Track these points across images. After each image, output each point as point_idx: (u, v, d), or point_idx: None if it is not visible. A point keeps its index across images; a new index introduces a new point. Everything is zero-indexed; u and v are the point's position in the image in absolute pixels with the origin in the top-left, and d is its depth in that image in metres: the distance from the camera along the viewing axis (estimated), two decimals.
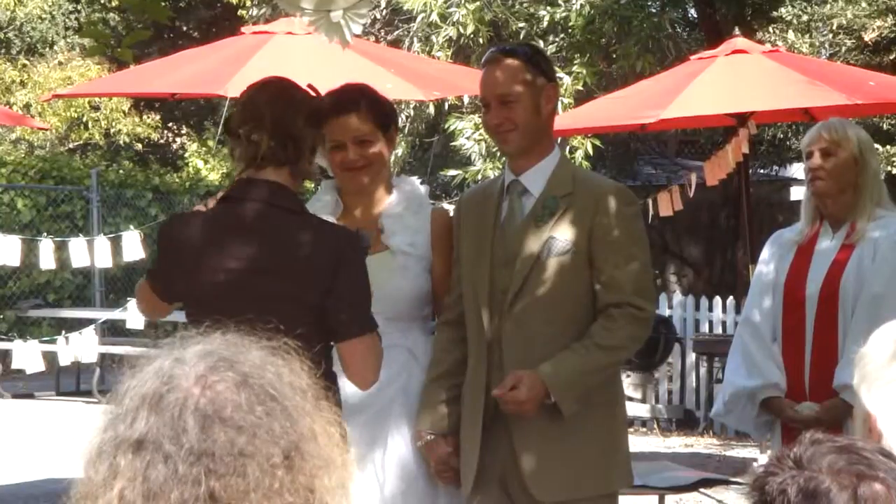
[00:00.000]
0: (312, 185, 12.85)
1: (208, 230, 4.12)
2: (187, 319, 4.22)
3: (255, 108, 4.11)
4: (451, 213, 4.88)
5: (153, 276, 4.31)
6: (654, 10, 16.31)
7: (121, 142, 25.02)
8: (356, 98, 4.70)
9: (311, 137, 4.19)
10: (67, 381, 15.52)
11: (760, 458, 10.70)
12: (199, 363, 1.78)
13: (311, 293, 4.01)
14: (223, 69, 9.20)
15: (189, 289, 4.14)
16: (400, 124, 15.38)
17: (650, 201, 10.49)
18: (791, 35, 14.39)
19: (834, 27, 14.37)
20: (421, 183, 4.98)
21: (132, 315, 12.85)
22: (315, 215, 4.31)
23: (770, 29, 14.94)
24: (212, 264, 4.07)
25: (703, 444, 13.02)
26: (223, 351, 1.80)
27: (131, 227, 14.74)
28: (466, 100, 14.46)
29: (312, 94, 4.33)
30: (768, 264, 5.38)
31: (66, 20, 28.03)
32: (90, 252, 13.44)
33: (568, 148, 14.52)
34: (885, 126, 14.59)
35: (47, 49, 27.07)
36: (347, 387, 4.22)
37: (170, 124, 28.09)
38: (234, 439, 1.71)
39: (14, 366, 13.40)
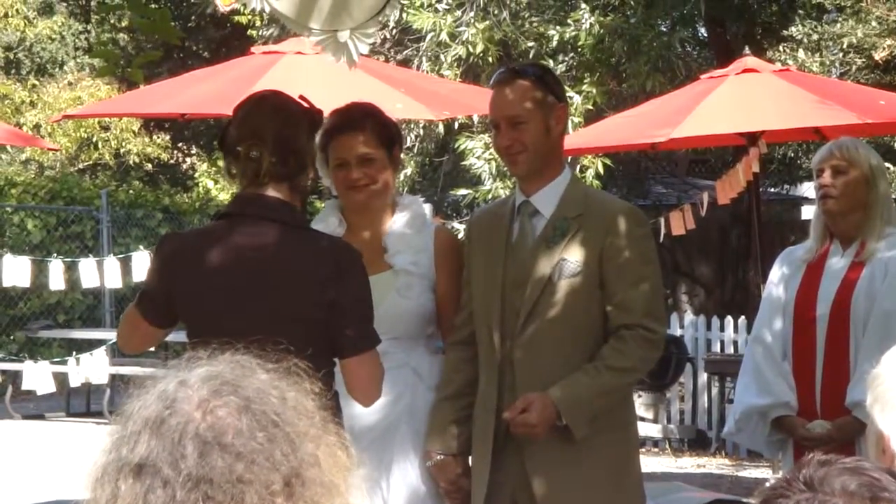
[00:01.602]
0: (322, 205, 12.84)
1: (207, 248, 4.07)
2: (189, 340, 4.18)
3: (255, 125, 4.04)
4: (461, 233, 4.87)
5: (144, 302, 4.17)
6: (664, 30, 16.30)
7: (131, 162, 25.06)
8: (361, 118, 4.69)
9: (312, 150, 4.16)
10: (78, 402, 15.51)
11: (772, 478, 10.66)
12: (203, 387, 1.76)
13: (313, 309, 3.97)
14: (233, 89, 9.21)
15: (189, 309, 4.08)
16: (409, 143, 15.48)
17: (662, 220, 10.48)
18: (801, 54, 14.37)
19: (844, 46, 14.35)
20: (426, 202, 4.97)
21: None
22: (314, 229, 4.29)
23: (780, 48, 14.92)
24: (212, 283, 4.01)
25: (715, 465, 12.97)
26: (227, 374, 1.79)
27: (141, 247, 14.76)
28: (476, 119, 14.45)
29: (308, 103, 4.26)
30: (778, 283, 5.37)
31: (76, 41, 28.13)
32: (100, 272, 13.47)
33: (578, 167, 14.51)
34: (895, 145, 14.56)
35: (57, 69, 27.16)
36: (354, 407, 4.20)
37: (180, 144, 28.12)
38: (232, 466, 1.70)
39: (24, 387, 13.42)
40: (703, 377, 14.03)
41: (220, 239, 4.07)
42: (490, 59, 14.92)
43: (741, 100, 9.86)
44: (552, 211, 4.51)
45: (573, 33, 15.09)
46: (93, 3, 27.07)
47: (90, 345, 14.50)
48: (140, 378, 1.85)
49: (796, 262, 5.35)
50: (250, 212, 4.06)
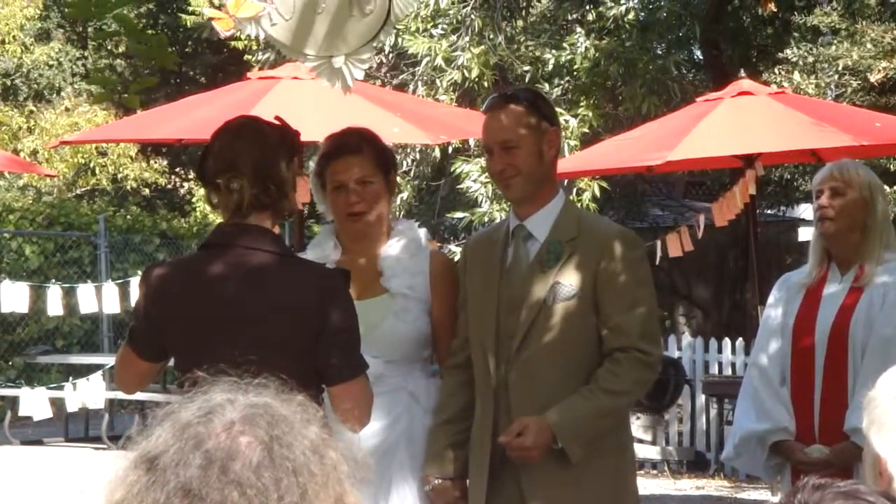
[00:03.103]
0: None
1: (191, 279, 4.05)
2: (176, 369, 4.15)
3: (233, 156, 4.00)
4: (457, 256, 4.88)
5: (134, 337, 4.14)
6: (659, 53, 16.34)
7: (128, 187, 25.09)
8: (358, 142, 4.71)
9: (292, 175, 4.11)
10: (76, 427, 15.48)
11: (772, 499, 10.66)
12: (242, 410, 1.77)
13: (297, 339, 3.95)
14: (230, 114, 9.16)
15: (175, 340, 4.05)
16: (405, 167, 15.50)
17: (659, 243, 10.49)
18: (797, 76, 14.39)
19: (840, 68, 14.37)
20: (422, 226, 4.98)
21: None
22: (298, 257, 4.28)
23: (776, 70, 14.93)
24: (196, 314, 3.99)
25: (714, 487, 12.96)
26: (275, 410, 1.79)
27: (139, 272, 14.74)
28: (473, 143, 14.48)
29: (284, 126, 4.21)
30: (776, 307, 5.36)
31: (73, 66, 28.16)
32: (98, 298, 13.46)
33: (575, 190, 14.52)
34: (892, 167, 14.57)
35: (54, 95, 27.18)
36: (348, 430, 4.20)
37: (177, 169, 28.15)
38: (226, 492, 1.70)
39: (22, 412, 13.39)
40: (702, 399, 14.02)
41: (204, 270, 4.05)
42: (486, 84, 14.95)
43: (737, 122, 9.87)
44: (546, 235, 4.52)
45: (569, 57, 15.12)
46: (90, 30, 27.12)
47: (88, 370, 14.48)
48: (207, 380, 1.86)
49: (795, 287, 5.34)
50: (233, 242, 4.04)
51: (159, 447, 1.74)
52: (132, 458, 1.76)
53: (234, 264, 4.02)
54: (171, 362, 4.25)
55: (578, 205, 13.35)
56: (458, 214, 15.15)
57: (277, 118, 4.26)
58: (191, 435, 1.74)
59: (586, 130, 14.78)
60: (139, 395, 14.58)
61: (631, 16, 15.65)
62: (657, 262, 10.68)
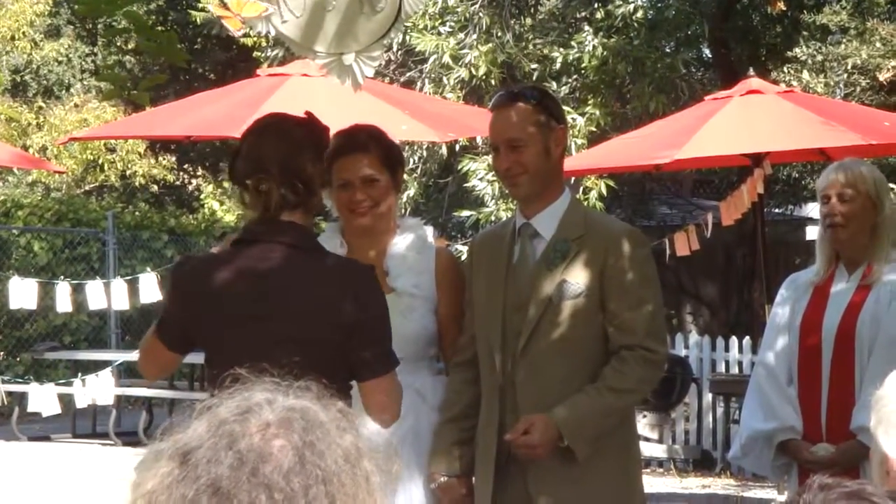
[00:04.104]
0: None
1: (222, 272, 4.07)
2: (206, 363, 4.19)
3: (260, 158, 4.02)
4: (464, 254, 4.88)
5: (163, 328, 4.17)
6: (668, 51, 16.34)
7: (136, 184, 25.11)
8: (365, 139, 4.70)
9: (321, 173, 4.14)
10: (83, 424, 15.50)
11: (778, 498, 10.65)
12: (280, 412, 1.77)
13: (330, 332, 3.97)
14: (239, 111, 9.25)
15: (205, 333, 4.08)
16: (412, 165, 15.49)
17: (667, 241, 10.49)
18: (806, 75, 14.41)
19: (849, 67, 14.38)
20: (428, 223, 4.98)
21: None
22: (332, 253, 4.28)
23: (785, 69, 14.96)
24: (227, 307, 4.02)
25: (720, 485, 12.95)
26: (313, 416, 1.78)
27: (147, 269, 14.79)
28: (480, 140, 14.48)
29: (312, 122, 4.23)
30: (783, 306, 5.36)
31: (83, 63, 28.19)
32: (107, 294, 13.48)
33: (581, 188, 14.52)
34: None
35: (63, 92, 27.21)
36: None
37: (185, 166, 28.17)
38: (253, 494, 1.70)
39: (30, 409, 13.41)
40: (708, 397, 14.02)
41: (235, 263, 4.07)
42: (493, 82, 14.95)
43: (746, 121, 9.88)
44: (552, 233, 4.52)
45: (577, 55, 15.12)
46: (99, 26, 27.16)
47: (96, 366, 14.51)
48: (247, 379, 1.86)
49: (803, 286, 5.34)
50: (264, 237, 4.06)
51: (194, 441, 1.73)
52: (167, 449, 1.76)
53: (265, 259, 4.03)
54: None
55: (585, 203, 13.36)
56: (465, 212, 15.15)
57: (307, 113, 4.28)
58: (225, 432, 1.73)
59: (594, 129, 14.78)
60: (147, 392, 14.62)
61: (639, 14, 15.65)
62: (666, 261, 10.68)
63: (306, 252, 4.07)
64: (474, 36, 15.18)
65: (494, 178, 13.98)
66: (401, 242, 4.78)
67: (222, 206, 22.08)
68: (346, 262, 4.27)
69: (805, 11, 15.73)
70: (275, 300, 3.99)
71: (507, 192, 13.72)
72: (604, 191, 14.75)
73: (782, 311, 5.36)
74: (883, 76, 14.12)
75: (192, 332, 4.13)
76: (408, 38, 14.83)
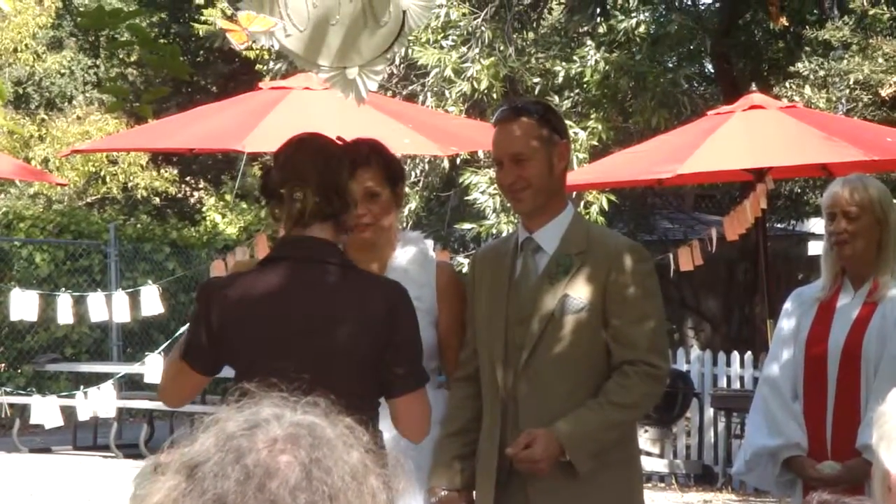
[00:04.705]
0: None
1: (255, 291, 4.07)
2: (236, 382, 4.17)
3: (298, 166, 4.05)
4: (465, 268, 4.88)
5: (190, 351, 4.12)
6: (670, 66, 16.36)
7: (138, 196, 25.12)
8: (366, 153, 4.71)
9: (353, 189, 4.19)
10: (85, 436, 15.49)
11: None
12: (288, 427, 1.77)
13: (364, 350, 4.00)
14: (241, 124, 9.26)
15: (237, 352, 4.06)
16: (414, 178, 15.50)
17: (671, 256, 10.50)
18: (808, 90, 14.41)
19: (851, 83, 14.38)
20: (429, 237, 4.99)
21: (150, 369, 12.85)
22: (363, 269, 4.29)
23: (787, 84, 14.95)
24: (261, 325, 4.02)
25: (721, 500, 12.95)
26: (321, 432, 1.77)
27: (149, 281, 14.77)
28: (481, 153, 14.49)
29: (345, 143, 4.35)
30: (789, 321, 5.35)
31: (85, 75, 28.23)
32: (108, 306, 13.47)
33: (583, 203, 14.53)
34: None
35: (66, 104, 27.24)
36: None
37: (187, 178, 28.20)
38: None
39: (32, 421, 13.39)
40: (710, 412, 14.01)
41: (268, 281, 4.08)
42: (495, 95, 14.96)
43: (748, 136, 9.88)
44: (555, 247, 4.53)
45: (579, 69, 15.15)
46: (102, 39, 27.19)
47: (97, 378, 14.50)
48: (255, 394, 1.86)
49: (808, 301, 5.32)
50: (297, 254, 4.08)
51: (201, 455, 1.73)
52: (174, 463, 1.76)
53: (299, 277, 4.05)
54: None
55: (587, 217, 13.36)
56: (467, 225, 15.16)
57: (339, 138, 4.36)
58: (232, 447, 1.73)
59: (596, 143, 14.80)
60: (148, 404, 14.62)
61: (642, 29, 15.68)
62: (671, 276, 10.68)
63: (341, 269, 4.09)
64: (477, 50, 15.20)
65: (496, 192, 14.00)
66: (402, 256, 4.79)
67: (224, 219, 22.07)
68: (381, 279, 4.31)
69: (807, 27, 15.73)
70: (310, 317, 4.00)
71: (508, 205, 13.78)
72: (605, 205, 14.76)
73: (787, 324, 5.35)
74: (885, 92, 14.12)
75: (220, 352, 4.10)
76: (410, 51, 14.86)
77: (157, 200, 26.21)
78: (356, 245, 4.76)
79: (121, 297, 13.59)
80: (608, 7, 16.63)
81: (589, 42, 15.46)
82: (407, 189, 5.17)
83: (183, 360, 4.15)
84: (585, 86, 15.23)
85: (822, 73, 14.68)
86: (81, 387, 13.91)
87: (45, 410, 13.05)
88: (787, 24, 15.98)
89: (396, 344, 4.01)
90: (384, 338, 4.00)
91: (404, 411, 4.09)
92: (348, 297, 4.04)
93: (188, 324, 4.18)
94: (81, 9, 22.22)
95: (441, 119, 12.13)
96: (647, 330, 4.46)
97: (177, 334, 12.53)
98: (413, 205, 15.58)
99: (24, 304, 13.14)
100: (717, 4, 18.43)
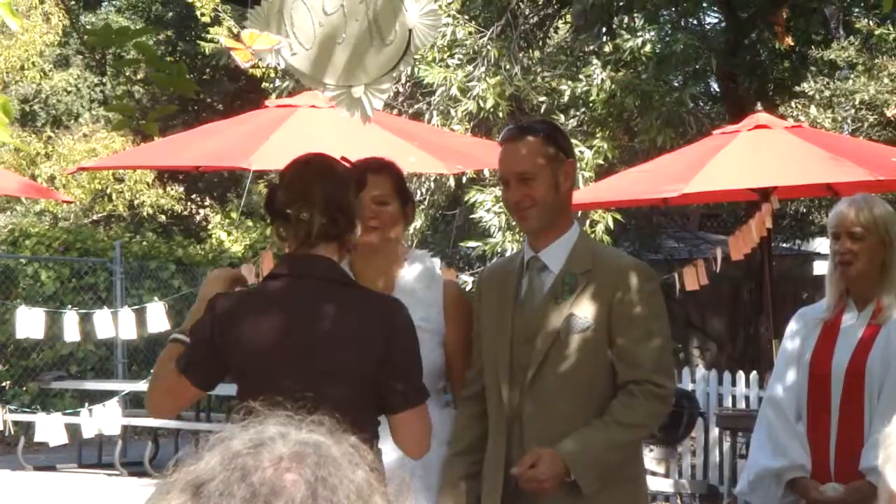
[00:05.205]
0: None
1: (259, 308, 4.09)
2: (238, 398, 4.17)
3: (304, 186, 4.07)
4: (470, 286, 4.89)
5: (191, 366, 4.11)
6: (675, 85, 16.37)
7: (144, 213, 25.15)
8: (379, 165, 4.79)
9: (358, 208, 4.20)
10: (89, 453, 15.49)
11: None
12: (293, 446, 1.77)
13: (364, 367, 4.01)
14: (247, 142, 9.26)
15: (240, 368, 4.07)
16: (420, 197, 15.50)
17: (676, 275, 10.48)
18: (813, 110, 14.41)
19: (856, 103, 14.38)
20: (435, 255, 5.00)
21: None
22: (363, 287, 4.30)
23: (792, 104, 14.96)
24: (263, 342, 4.03)
25: None
26: (326, 451, 1.77)
27: (155, 298, 14.77)
28: (487, 172, 14.49)
29: (351, 164, 4.37)
30: (793, 341, 5.34)
31: (92, 93, 28.29)
32: (114, 324, 13.48)
33: (588, 222, 14.52)
34: None
35: (72, 121, 27.28)
36: None
37: (193, 196, 28.23)
38: None
39: (37, 438, 13.40)
40: (715, 432, 13.97)
41: (271, 299, 4.10)
42: (501, 114, 14.97)
43: (753, 156, 9.87)
44: (561, 266, 4.53)
45: (585, 88, 15.15)
46: (109, 57, 27.24)
47: (102, 396, 14.50)
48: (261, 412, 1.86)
49: (812, 322, 5.32)
50: (299, 272, 4.09)
51: (206, 474, 1.73)
52: (179, 481, 1.76)
53: (301, 293, 4.07)
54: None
55: (592, 236, 13.36)
56: (472, 244, 15.16)
57: (344, 158, 4.38)
58: (238, 465, 1.73)
59: (601, 162, 14.78)
60: (153, 422, 14.60)
61: (647, 48, 15.68)
62: (676, 295, 10.67)
63: (342, 287, 4.11)
64: (482, 68, 15.21)
65: (501, 210, 13.99)
66: (409, 274, 4.79)
67: (230, 237, 22.10)
68: (381, 296, 4.31)
69: (813, 47, 15.75)
70: (310, 334, 4.01)
71: (513, 223, 13.78)
72: (611, 224, 14.76)
73: (791, 345, 5.34)
74: (891, 112, 14.13)
75: (222, 368, 4.11)
76: (416, 70, 14.86)
77: (162, 218, 26.24)
78: (362, 253, 4.76)
79: (126, 315, 13.59)
80: (614, 26, 16.65)
81: (595, 61, 15.47)
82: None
83: (183, 374, 4.14)
84: (591, 105, 15.23)
85: (827, 92, 14.68)
86: (86, 404, 13.92)
87: (50, 428, 13.05)
88: (792, 43, 16.01)
89: (395, 360, 4.02)
90: (383, 354, 4.01)
91: (403, 427, 4.09)
92: (349, 315, 4.06)
93: (189, 338, 4.17)
94: (88, 27, 22.29)
95: (447, 137, 12.13)
96: (652, 349, 4.45)
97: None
98: (418, 223, 15.57)
99: (29, 322, 13.14)
100: (723, 24, 18.45)
